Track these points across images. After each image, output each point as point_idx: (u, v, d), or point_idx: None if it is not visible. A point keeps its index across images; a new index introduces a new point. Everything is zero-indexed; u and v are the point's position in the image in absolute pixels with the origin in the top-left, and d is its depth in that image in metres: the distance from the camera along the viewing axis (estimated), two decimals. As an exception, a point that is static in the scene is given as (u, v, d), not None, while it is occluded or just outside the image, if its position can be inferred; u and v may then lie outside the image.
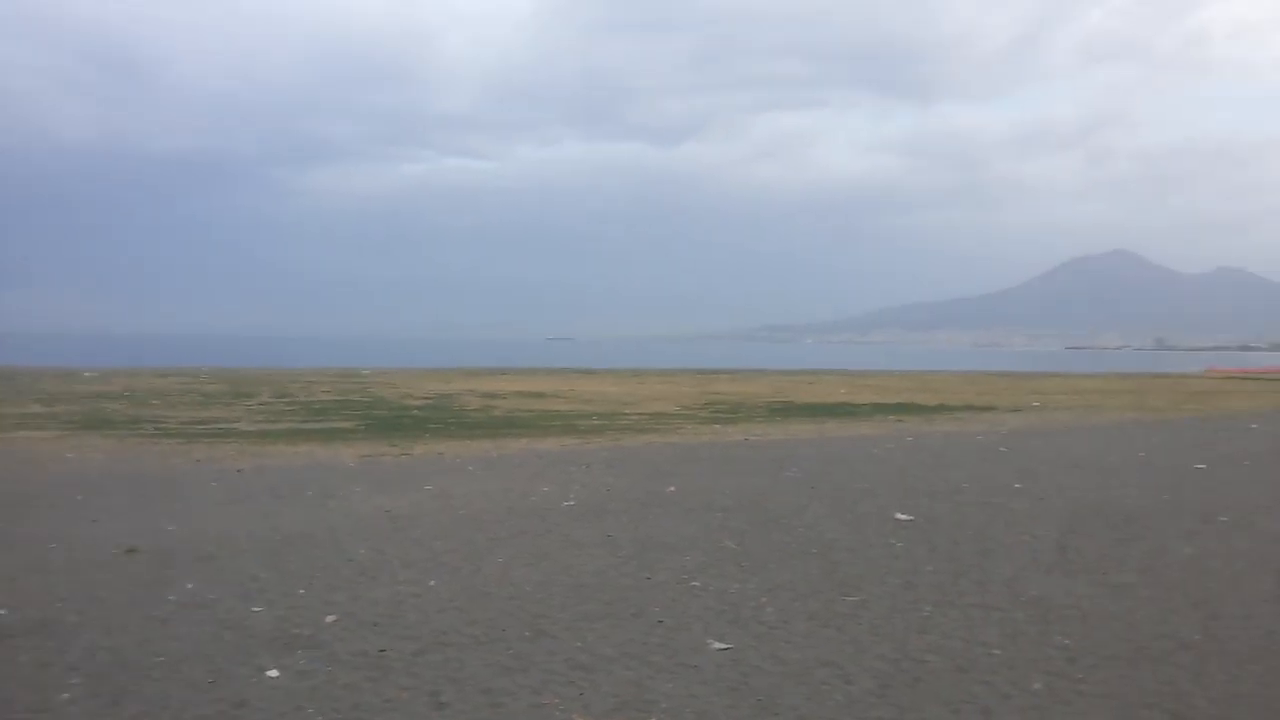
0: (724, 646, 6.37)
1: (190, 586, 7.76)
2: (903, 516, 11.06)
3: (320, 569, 8.40)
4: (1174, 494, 13.03)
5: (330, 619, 6.91)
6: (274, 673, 5.85)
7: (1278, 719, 5.30)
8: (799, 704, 5.44)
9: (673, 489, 12.96)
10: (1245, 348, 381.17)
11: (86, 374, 45.28)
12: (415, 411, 26.88)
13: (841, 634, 6.70)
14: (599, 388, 40.59)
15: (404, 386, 38.94)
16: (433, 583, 7.93)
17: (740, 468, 15.53)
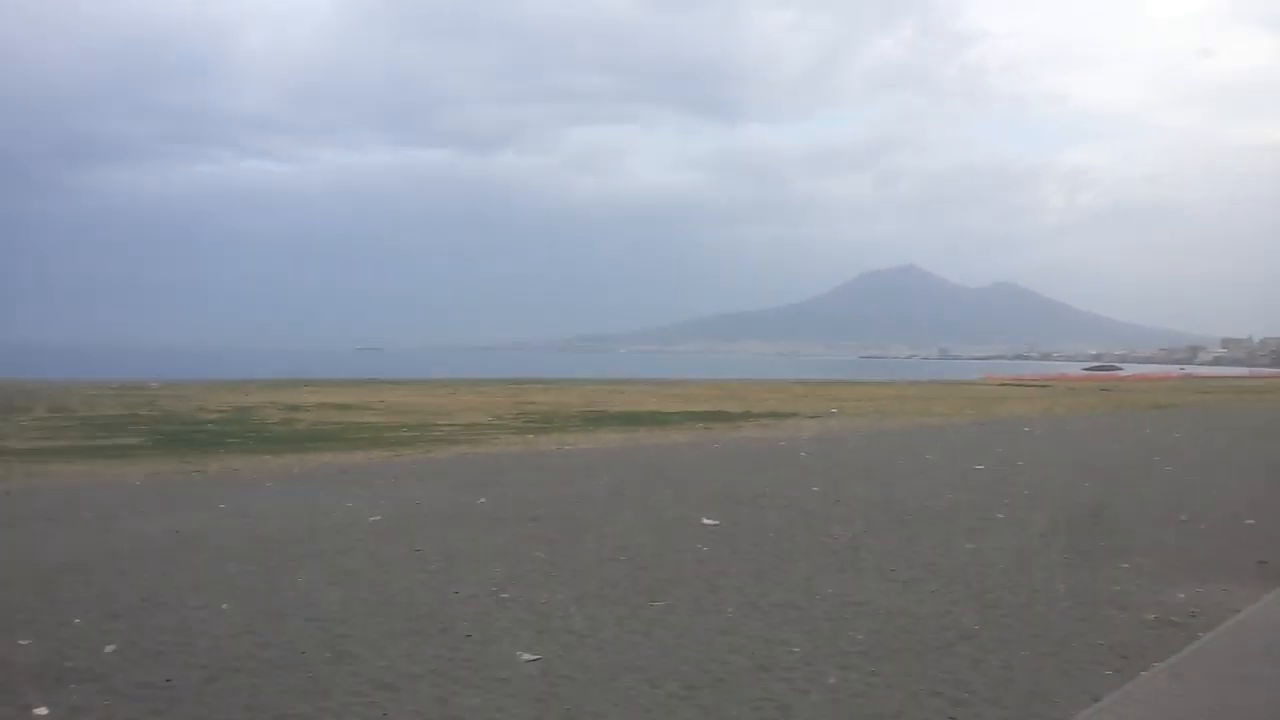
0: (533, 658, 6.34)
1: (-55, 622, 7.04)
2: (709, 521, 11.35)
3: (99, 596, 7.81)
4: (956, 494, 13.95)
5: (109, 649, 6.42)
6: (42, 710, 5.38)
7: (1045, 701, 5.75)
8: (606, 710, 5.47)
9: (484, 500, 12.82)
10: (1019, 357, 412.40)
11: None
12: (210, 426, 25.43)
13: (649, 639, 6.81)
14: (409, 399, 39.67)
15: (198, 400, 36.77)
16: (225, 606, 7.51)
17: (552, 477, 15.53)
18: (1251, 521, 11.90)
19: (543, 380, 63.89)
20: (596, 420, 29.19)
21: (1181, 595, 8.23)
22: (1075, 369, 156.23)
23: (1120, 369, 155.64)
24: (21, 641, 6.57)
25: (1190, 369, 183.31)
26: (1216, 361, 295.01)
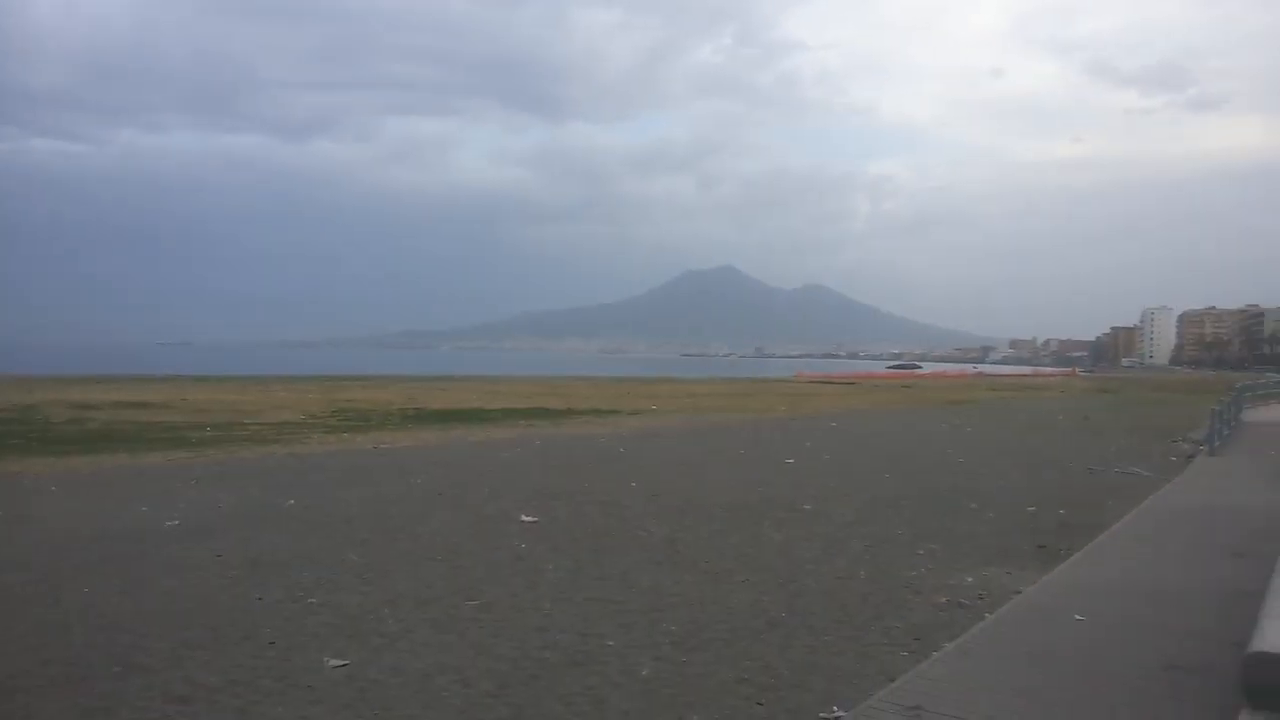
0: (341, 663, 6.14)
1: None
2: (528, 518, 11.32)
3: None
4: (767, 487, 14.45)
5: None
6: None
7: (846, 683, 6.02)
8: (417, 713, 5.37)
9: (293, 503, 12.32)
10: (828, 355, 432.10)
11: None
12: (-14, 426, 23.33)
13: (463, 639, 6.72)
14: (217, 396, 37.64)
15: (-28, 397, 33.68)
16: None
17: (368, 477, 15.10)
18: (1032, 509, 12.86)
19: (361, 377, 62.03)
20: (416, 418, 28.58)
21: (970, 579, 8.81)
22: (879, 367, 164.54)
23: (920, 367, 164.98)
24: None
25: (982, 367, 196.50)
26: (1005, 360, 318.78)
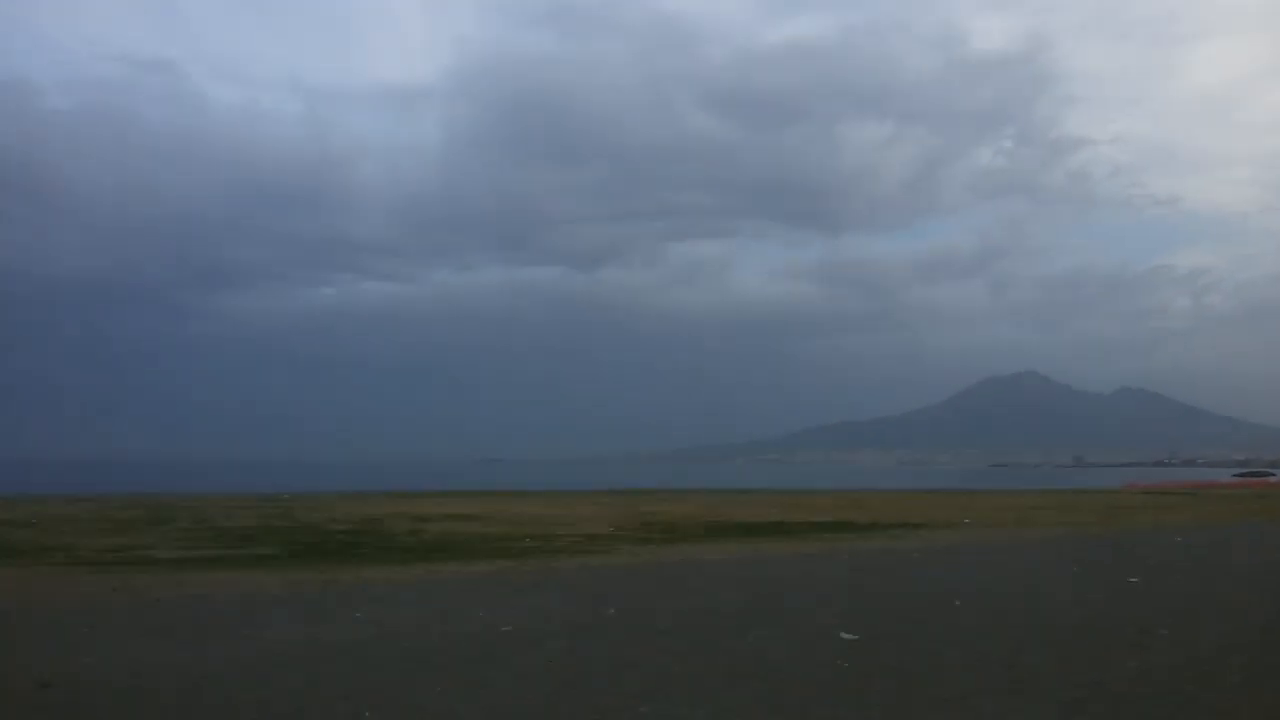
0: None
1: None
2: (848, 635, 10.89)
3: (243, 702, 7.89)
4: (1112, 606, 13.09)
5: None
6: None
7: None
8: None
9: (613, 612, 12.63)
10: (1159, 464, 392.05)
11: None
12: (340, 536, 26.00)
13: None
14: (530, 510, 39.89)
15: (328, 510, 37.77)
16: (368, 715, 7.48)
17: (679, 589, 15.24)
18: None
19: (660, 490, 63.58)
20: (719, 530, 28.72)
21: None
22: (1223, 475, 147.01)
23: (1275, 474, 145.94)
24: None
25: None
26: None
